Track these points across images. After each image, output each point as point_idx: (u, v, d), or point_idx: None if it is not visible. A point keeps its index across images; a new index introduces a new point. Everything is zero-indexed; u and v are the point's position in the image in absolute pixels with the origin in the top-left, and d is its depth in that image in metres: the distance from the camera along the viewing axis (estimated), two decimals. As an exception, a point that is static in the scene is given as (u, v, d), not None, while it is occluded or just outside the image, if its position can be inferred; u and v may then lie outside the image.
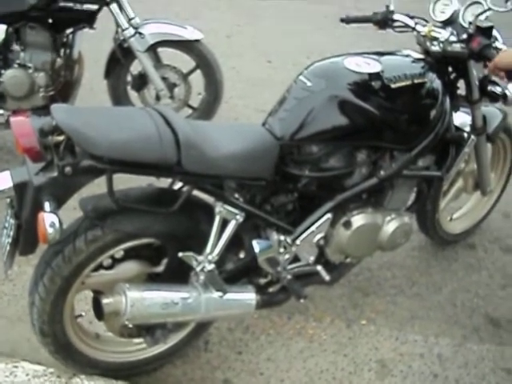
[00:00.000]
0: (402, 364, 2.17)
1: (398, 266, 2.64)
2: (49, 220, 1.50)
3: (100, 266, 1.80)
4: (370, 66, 1.91)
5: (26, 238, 1.62)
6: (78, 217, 1.74)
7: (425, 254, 2.74)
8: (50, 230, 1.50)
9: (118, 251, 1.78)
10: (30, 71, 2.90)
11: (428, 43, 2.07)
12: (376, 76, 1.89)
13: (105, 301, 1.75)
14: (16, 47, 2.91)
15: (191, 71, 3.33)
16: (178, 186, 1.88)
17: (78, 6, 2.85)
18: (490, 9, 1.91)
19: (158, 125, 1.64)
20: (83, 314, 1.96)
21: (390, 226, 2.09)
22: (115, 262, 1.82)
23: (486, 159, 2.51)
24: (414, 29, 2.12)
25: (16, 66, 2.90)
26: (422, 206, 2.42)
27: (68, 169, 1.52)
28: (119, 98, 3.32)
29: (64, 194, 1.58)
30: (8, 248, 1.67)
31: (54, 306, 1.74)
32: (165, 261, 1.86)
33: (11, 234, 1.64)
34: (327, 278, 2.06)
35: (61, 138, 1.54)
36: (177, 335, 2.01)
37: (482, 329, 2.35)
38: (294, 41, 5.07)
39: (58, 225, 1.51)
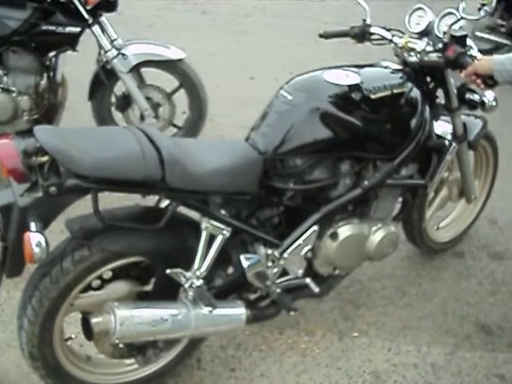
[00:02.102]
0: (396, 375, 2.17)
1: (388, 276, 2.65)
2: (35, 239, 1.50)
3: (89, 287, 1.79)
4: (349, 78, 1.94)
5: (12, 260, 1.61)
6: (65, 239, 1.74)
7: (414, 263, 2.75)
8: (36, 250, 1.50)
9: (106, 271, 1.78)
10: (14, 95, 2.90)
11: (405, 54, 2.11)
12: (355, 87, 1.92)
13: (94, 320, 1.74)
14: (-1, 71, 2.92)
15: (175, 90, 3.34)
16: (164, 204, 1.89)
17: (61, 29, 2.86)
18: (462, 18, 1.96)
19: (141, 143, 1.65)
20: (73, 336, 1.94)
21: (377, 235, 2.11)
22: (104, 282, 1.82)
23: (469, 167, 2.54)
24: (391, 41, 2.15)
25: (-1, 90, 2.91)
26: (408, 215, 2.44)
27: (53, 189, 1.52)
28: (104, 119, 3.33)
29: (50, 213, 1.59)
30: (-6, 271, 1.66)
31: (43, 329, 1.73)
32: (153, 279, 1.86)
33: (-3, 256, 1.64)
34: (316, 290, 2.06)
35: (45, 158, 1.55)
36: (168, 354, 1.99)
37: (473, 336, 2.36)
38: (276, 57, 5.12)
39: (44, 244, 1.51)
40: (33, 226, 1.53)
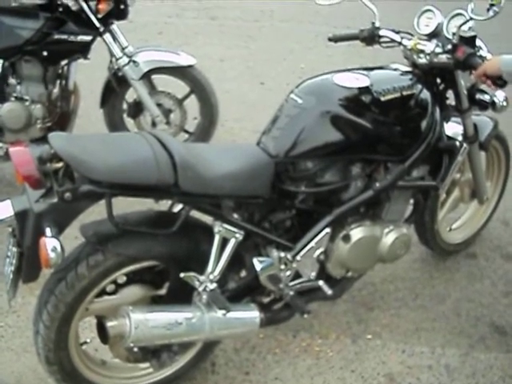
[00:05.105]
0: (410, 376, 2.16)
1: (401, 278, 2.64)
2: (50, 244, 1.53)
3: (103, 292, 1.81)
4: (358, 80, 1.94)
5: (28, 265, 1.64)
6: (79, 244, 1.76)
7: (427, 265, 2.75)
8: (52, 255, 1.52)
9: (121, 276, 1.80)
10: (27, 104, 2.94)
11: (415, 56, 2.11)
12: (365, 90, 1.92)
13: (109, 324, 1.76)
14: (12, 81, 2.95)
15: (186, 96, 3.37)
16: (177, 208, 1.90)
17: (72, 38, 2.90)
18: (471, 18, 1.96)
19: (154, 148, 1.66)
20: (88, 340, 1.96)
21: (389, 237, 2.11)
22: (118, 287, 1.84)
23: (481, 167, 2.54)
24: (400, 43, 2.15)
25: (13, 99, 2.94)
26: (420, 217, 2.43)
27: (67, 194, 1.54)
28: (116, 126, 3.36)
29: (64, 219, 1.61)
30: (11, 276, 1.68)
31: (59, 334, 1.75)
32: (167, 283, 1.87)
33: (14, 262, 1.66)
34: (329, 292, 2.06)
35: (59, 164, 1.57)
36: (183, 357, 2.00)
37: (488, 337, 2.35)
38: (286, 61, 5.13)
39: (59, 249, 1.54)
40: (48, 231, 1.55)
